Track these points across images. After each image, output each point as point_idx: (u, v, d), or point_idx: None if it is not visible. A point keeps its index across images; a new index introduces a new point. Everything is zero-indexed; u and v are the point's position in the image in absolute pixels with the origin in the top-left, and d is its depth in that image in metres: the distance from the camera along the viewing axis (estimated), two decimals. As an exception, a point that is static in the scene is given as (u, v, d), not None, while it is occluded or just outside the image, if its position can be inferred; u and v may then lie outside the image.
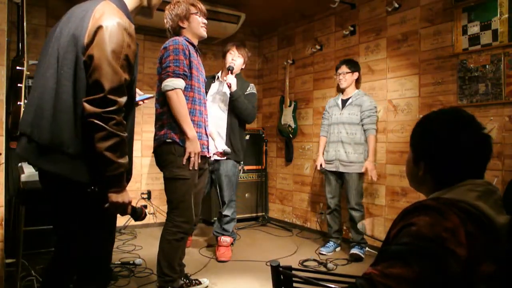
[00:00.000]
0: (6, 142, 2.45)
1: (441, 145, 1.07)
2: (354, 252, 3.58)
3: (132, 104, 1.62)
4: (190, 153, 2.41)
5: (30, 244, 3.09)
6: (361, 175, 3.65)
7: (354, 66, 3.78)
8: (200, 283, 2.82)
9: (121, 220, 4.64)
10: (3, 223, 2.31)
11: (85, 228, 1.55)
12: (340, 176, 3.75)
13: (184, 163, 2.42)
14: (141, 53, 4.74)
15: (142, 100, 2.13)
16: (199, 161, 2.48)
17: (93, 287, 1.61)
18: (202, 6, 2.61)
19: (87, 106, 1.38)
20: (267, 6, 4.66)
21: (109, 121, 1.39)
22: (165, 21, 2.62)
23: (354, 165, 3.61)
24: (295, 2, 4.54)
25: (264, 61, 5.60)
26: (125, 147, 1.46)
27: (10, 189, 3.05)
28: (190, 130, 2.40)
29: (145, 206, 1.44)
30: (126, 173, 1.54)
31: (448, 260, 0.89)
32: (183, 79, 2.42)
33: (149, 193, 4.78)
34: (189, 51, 2.48)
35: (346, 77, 3.73)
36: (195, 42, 2.61)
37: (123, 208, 1.51)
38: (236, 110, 3.47)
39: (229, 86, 3.36)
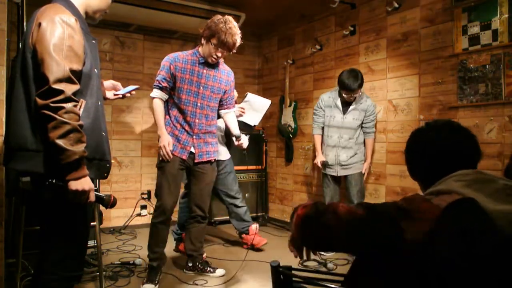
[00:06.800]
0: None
1: (422, 146, 1.21)
2: None
3: (94, 93, 1.66)
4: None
5: (30, 244, 3.08)
6: (363, 174, 3.68)
7: (362, 81, 3.46)
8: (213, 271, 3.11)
9: (121, 220, 4.65)
10: (3, 223, 2.31)
11: (55, 225, 1.64)
12: (339, 179, 3.75)
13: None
14: (140, 53, 4.74)
15: (129, 92, 2.07)
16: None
17: (55, 283, 1.63)
18: (226, 42, 2.90)
19: (37, 99, 1.44)
20: (267, 6, 4.66)
21: (58, 110, 1.43)
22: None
23: (356, 165, 3.62)
24: (295, 2, 4.54)
25: (264, 61, 5.60)
26: (80, 135, 1.49)
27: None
28: None
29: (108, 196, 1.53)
30: (103, 161, 1.67)
31: (395, 233, 0.94)
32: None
33: (149, 193, 4.79)
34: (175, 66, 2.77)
35: (357, 94, 3.50)
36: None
37: (85, 196, 1.54)
38: None
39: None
